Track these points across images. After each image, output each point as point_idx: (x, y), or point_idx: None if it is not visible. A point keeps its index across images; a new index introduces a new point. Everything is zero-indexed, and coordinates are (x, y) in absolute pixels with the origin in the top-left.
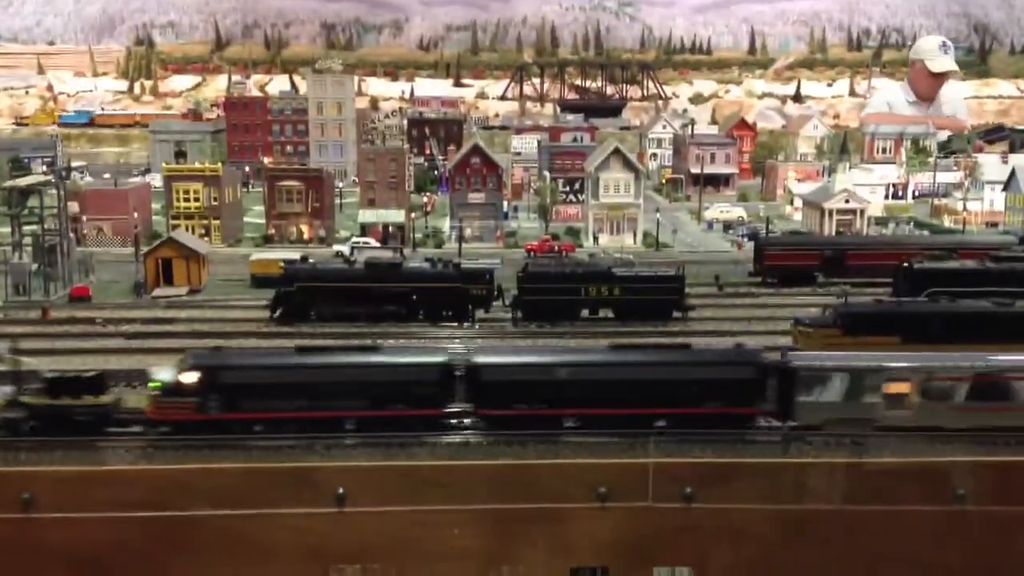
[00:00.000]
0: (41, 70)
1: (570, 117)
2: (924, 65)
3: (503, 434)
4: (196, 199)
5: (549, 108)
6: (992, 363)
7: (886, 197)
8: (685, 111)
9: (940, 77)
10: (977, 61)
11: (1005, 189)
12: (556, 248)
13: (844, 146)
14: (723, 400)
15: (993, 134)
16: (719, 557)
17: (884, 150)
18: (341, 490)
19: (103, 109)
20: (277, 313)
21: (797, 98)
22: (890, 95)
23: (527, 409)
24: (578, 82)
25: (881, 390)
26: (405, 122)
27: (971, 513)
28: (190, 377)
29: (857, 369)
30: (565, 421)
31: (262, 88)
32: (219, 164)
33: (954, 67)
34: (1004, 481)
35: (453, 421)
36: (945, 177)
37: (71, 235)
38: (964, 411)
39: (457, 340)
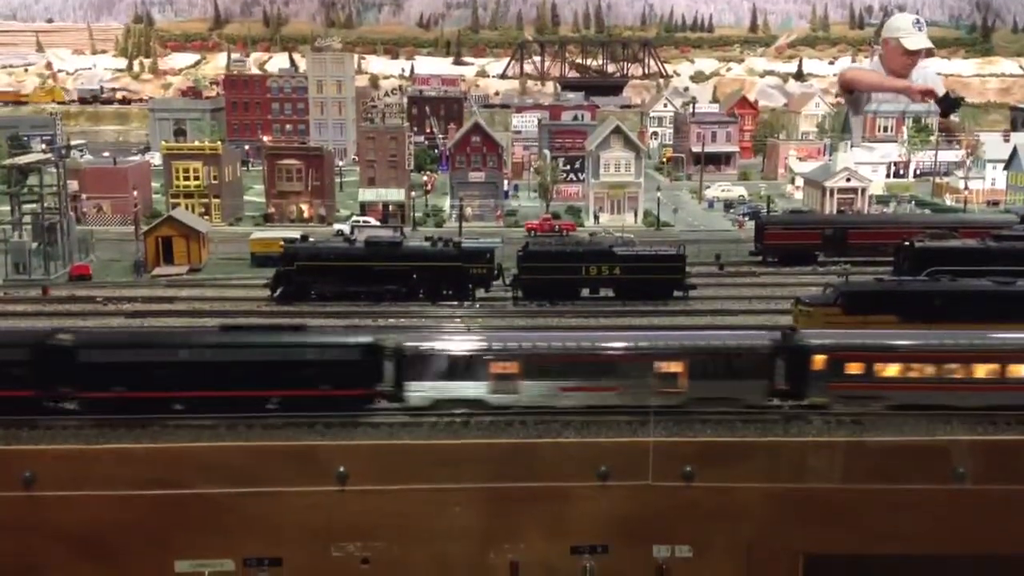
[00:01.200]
0: (40, 48)
1: (571, 95)
2: (898, 43)
3: (505, 414)
4: (196, 178)
5: (550, 86)
6: (594, 344)
7: (887, 176)
8: (686, 89)
9: (914, 55)
10: (980, 39)
11: (1006, 168)
12: (556, 227)
13: (846, 124)
14: (336, 382)
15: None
16: (719, 536)
17: (885, 128)
18: (343, 468)
19: (102, 88)
20: (277, 292)
21: (799, 76)
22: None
23: (126, 391)
24: (579, 60)
25: (488, 371)
26: (405, 100)
27: (971, 492)
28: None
29: (460, 352)
30: (172, 404)
31: (261, 66)
32: (218, 142)
33: (928, 44)
34: (1005, 460)
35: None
36: (946, 156)
37: (71, 214)
38: (568, 391)
39: (457, 319)
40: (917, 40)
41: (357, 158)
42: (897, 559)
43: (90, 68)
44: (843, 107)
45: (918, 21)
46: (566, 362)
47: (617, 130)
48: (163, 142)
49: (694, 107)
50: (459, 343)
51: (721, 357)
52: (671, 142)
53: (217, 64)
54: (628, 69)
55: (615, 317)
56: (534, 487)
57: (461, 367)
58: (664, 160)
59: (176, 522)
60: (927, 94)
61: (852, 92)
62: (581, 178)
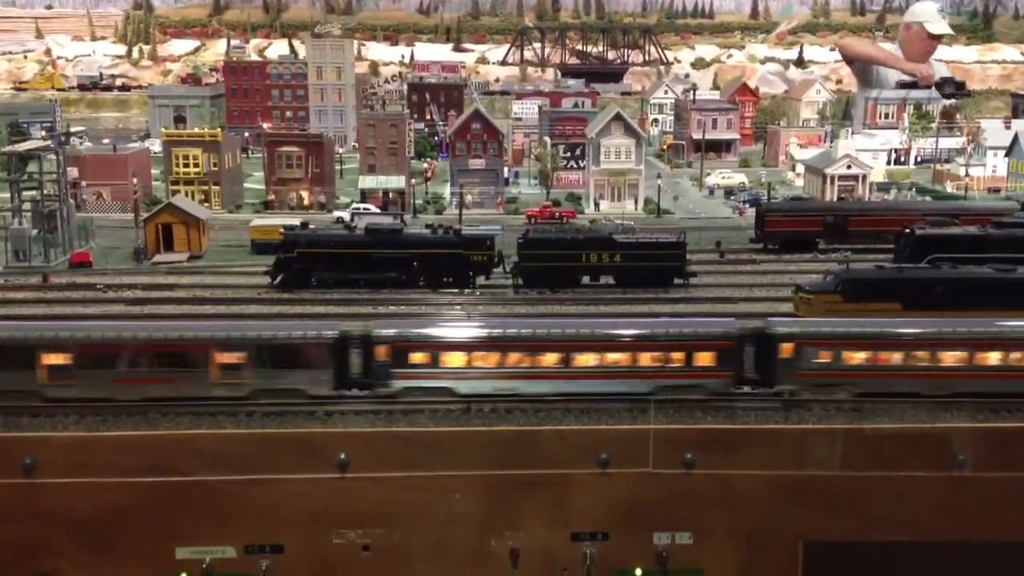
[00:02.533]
0: (39, 34)
1: (571, 82)
2: (922, 28)
3: (504, 400)
4: (196, 165)
5: (550, 73)
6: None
7: (888, 163)
8: (687, 76)
9: (935, 40)
10: (981, 26)
11: (1008, 155)
12: (557, 214)
13: (847, 111)
14: None
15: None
16: (719, 523)
17: (887, 115)
18: (343, 455)
19: (101, 74)
20: (277, 279)
21: (800, 63)
22: None
23: None
24: (579, 47)
25: (40, 362)
26: (405, 87)
27: (971, 479)
28: None
29: (10, 341)
30: None
31: (261, 53)
32: (218, 129)
33: (950, 31)
34: (1004, 448)
35: None
36: (947, 143)
37: (71, 201)
38: (127, 382)
39: (458, 306)
40: (941, 26)
41: (357, 145)
42: (896, 545)
43: (89, 55)
44: (844, 94)
45: (942, 9)
46: (119, 352)
47: (617, 117)
48: (163, 129)
49: (695, 94)
50: (12, 332)
51: (283, 349)
52: (671, 129)
53: (217, 51)
54: (628, 56)
55: (615, 304)
56: (535, 474)
57: (9, 357)
58: (664, 147)
59: (177, 509)
60: (924, 78)
61: (852, 62)
62: (581, 165)
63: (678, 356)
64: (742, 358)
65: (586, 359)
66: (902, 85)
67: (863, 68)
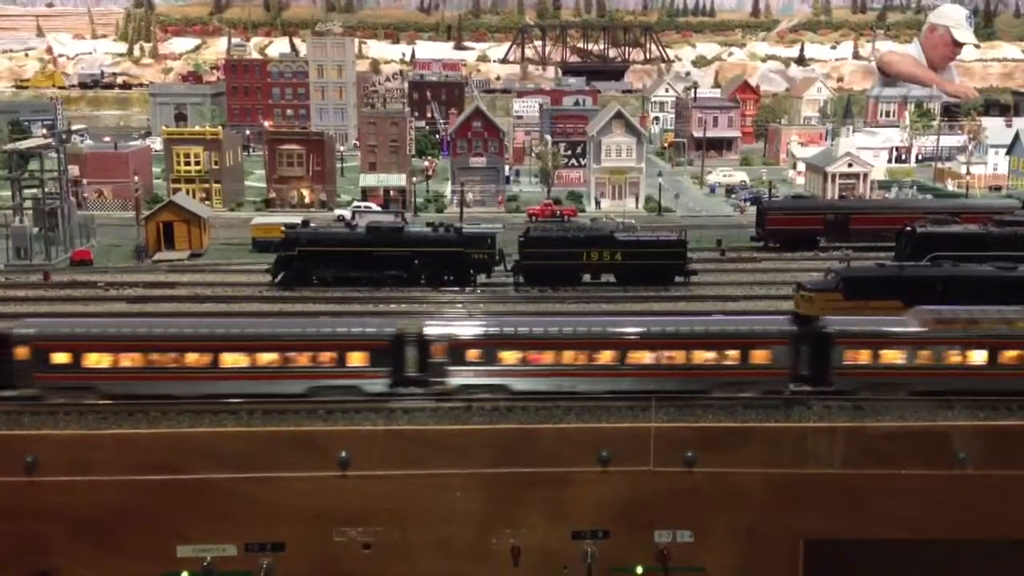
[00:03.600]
0: (40, 32)
1: (572, 80)
2: (948, 32)
3: (506, 398)
4: (197, 163)
5: (551, 71)
6: None
7: (889, 161)
8: (688, 74)
9: (958, 47)
10: (982, 23)
11: (1009, 153)
12: (558, 213)
13: (848, 109)
14: None
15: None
16: (720, 521)
17: (888, 113)
18: (344, 454)
19: (102, 72)
20: (279, 277)
21: (801, 61)
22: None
23: None
24: (580, 45)
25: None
26: (406, 85)
27: (971, 477)
28: None
29: None
30: None
31: (262, 51)
32: (219, 127)
33: (975, 40)
34: (1005, 446)
35: None
36: (949, 140)
37: (72, 199)
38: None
39: (459, 305)
40: (967, 34)
41: (358, 143)
42: (897, 543)
43: (90, 53)
44: (845, 92)
45: (970, 16)
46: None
47: (618, 115)
48: (164, 127)
49: (695, 92)
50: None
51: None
52: (672, 127)
53: (218, 49)
54: (629, 54)
55: (616, 303)
56: (536, 472)
57: None
58: (665, 145)
59: (178, 507)
60: (958, 96)
61: (887, 75)
62: (582, 163)
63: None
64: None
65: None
66: (947, 110)
67: (892, 81)
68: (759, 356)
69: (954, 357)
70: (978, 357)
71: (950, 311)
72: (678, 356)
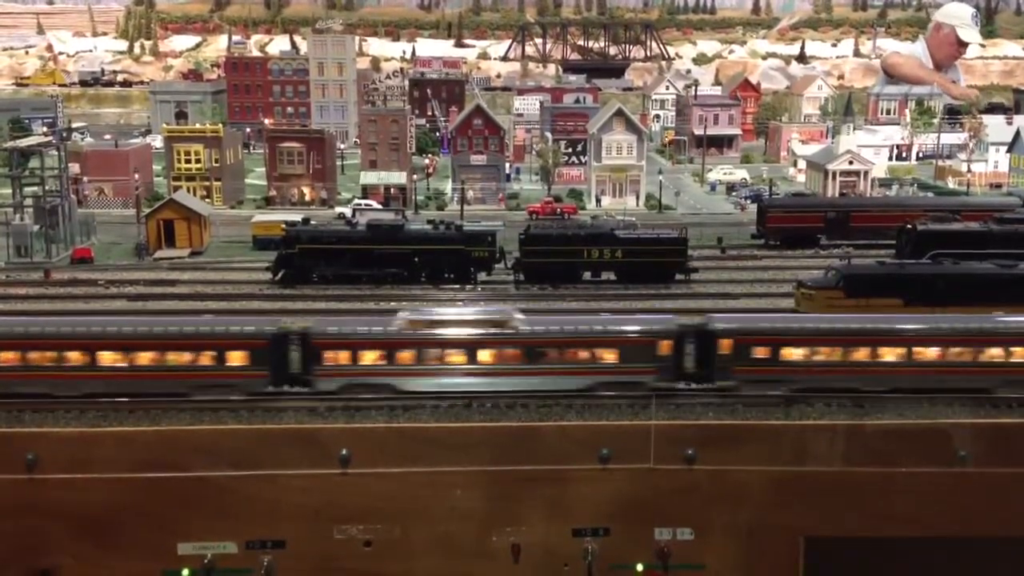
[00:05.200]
0: (41, 30)
1: (572, 78)
2: (954, 31)
3: (506, 396)
4: (197, 160)
5: (552, 69)
6: None
7: (890, 158)
8: (688, 72)
9: (963, 47)
10: (983, 21)
11: (1009, 150)
12: (558, 210)
13: (848, 107)
14: None
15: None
16: (720, 518)
17: (888, 111)
18: (345, 451)
19: (103, 70)
20: (279, 275)
21: (801, 58)
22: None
23: None
24: (581, 42)
25: None
26: (406, 83)
27: (972, 475)
28: None
29: None
30: None
31: (262, 48)
32: (220, 125)
33: (980, 39)
34: (1006, 443)
35: None
36: (949, 138)
37: (72, 196)
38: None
39: (459, 302)
40: (972, 34)
41: (359, 141)
42: (897, 541)
43: (91, 50)
44: (846, 90)
45: (976, 15)
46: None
47: (619, 113)
48: (164, 125)
49: (696, 89)
50: None
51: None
52: (673, 125)
53: (218, 46)
54: (630, 51)
55: (616, 300)
56: (536, 470)
57: None
58: (666, 143)
59: (178, 505)
60: (973, 104)
61: (892, 76)
62: (583, 161)
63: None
64: None
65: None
66: (950, 111)
67: (898, 82)
68: None
69: (434, 358)
70: (458, 358)
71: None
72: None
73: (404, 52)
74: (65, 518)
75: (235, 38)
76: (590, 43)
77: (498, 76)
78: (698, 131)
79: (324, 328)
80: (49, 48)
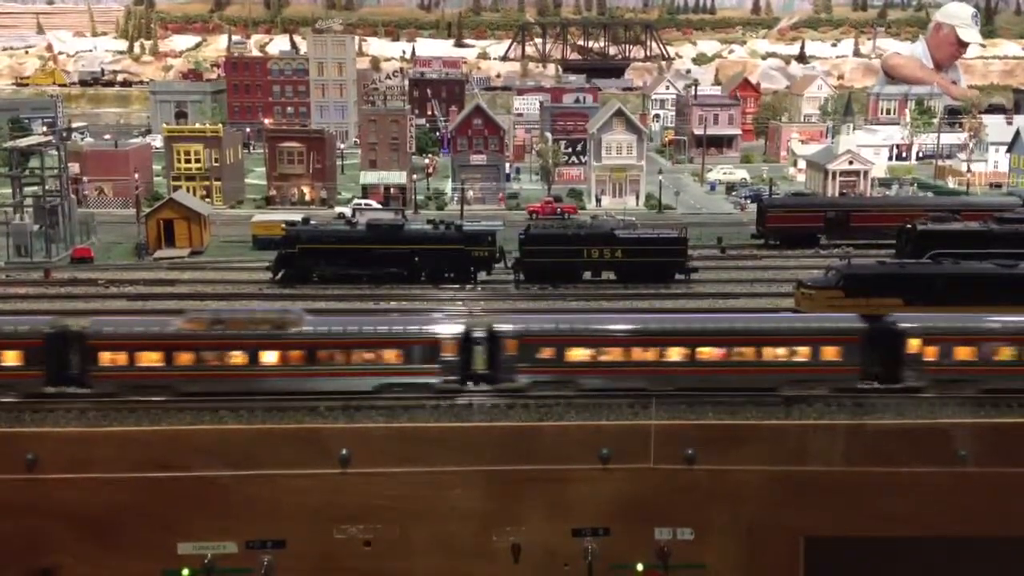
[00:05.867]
0: (40, 30)
1: (572, 78)
2: (953, 31)
3: (507, 395)
4: (197, 160)
5: (551, 69)
6: None
7: (890, 158)
8: (688, 71)
9: (963, 47)
10: (983, 21)
11: (1009, 150)
12: (558, 210)
13: (848, 107)
14: None
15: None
16: (720, 518)
17: (888, 111)
18: (345, 451)
19: (103, 70)
20: (279, 275)
21: (801, 58)
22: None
23: None
24: (581, 42)
25: None
26: (406, 83)
27: (972, 474)
28: None
29: None
30: None
31: (262, 48)
32: (220, 125)
33: (980, 39)
34: (1005, 442)
35: None
36: (949, 138)
37: (72, 196)
38: None
39: (459, 302)
40: (972, 34)
41: (358, 141)
42: (897, 541)
43: (91, 50)
44: (846, 90)
45: (976, 15)
46: None
47: (619, 112)
48: (164, 124)
49: (696, 89)
50: None
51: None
52: (673, 124)
53: (218, 46)
54: (630, 51)
55: (616, 300)
56: (536, 470)
57: None
58: (666, 143)
59: (178, 504)
60: (974, 105)
61: (892, 78)
62: (583, 161)
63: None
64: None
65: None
66: (950, 112)
67: (898, 83)
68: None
69: (214, 359)
70: (239, 359)
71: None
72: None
73: (404, 52)
74: (65, 518)
75: (235, 38)
76: (590, 43)
77: (498, 76)
78: (698, 131)
79: (100, 328)
80: (49, 48)
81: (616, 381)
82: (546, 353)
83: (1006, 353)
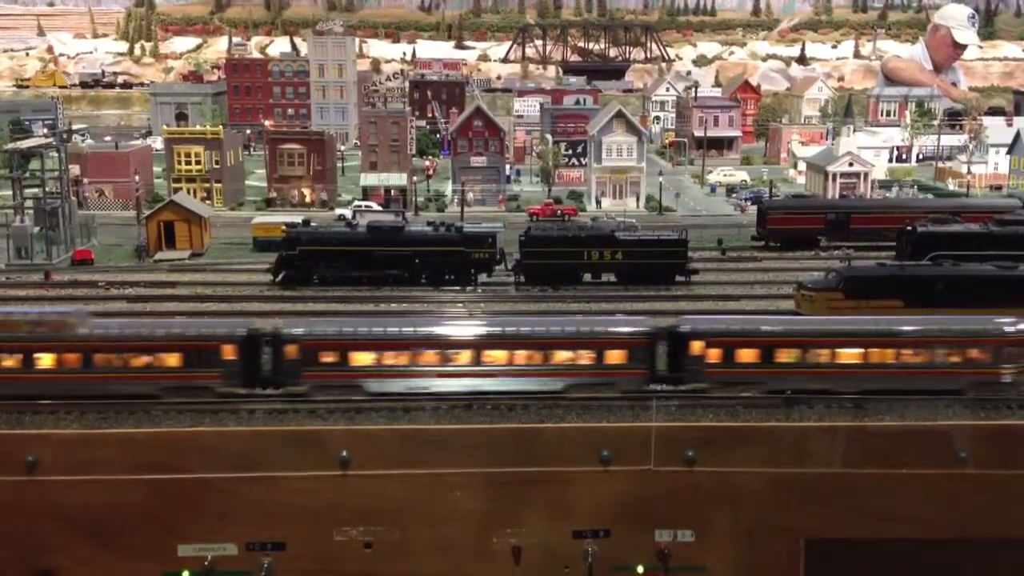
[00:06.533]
0: (41, 32)
1: (573, 79)
2: (949, 33)
3: (507, 396)
4: (197, 162)
5: (552, 70)
6: None
7: (890, 160)
8: (688, 73)
9: (960, 48)
10: (983, 22)
11: (1009, 152)
12: (558, 212)
13: (848, 109)
14: None
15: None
16: (720, 520)
17: (888, 113)
18: (345, 453)
19: (103, 72)
20: (280, 276)
21: (802, 60)
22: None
23: None
24: (581, 44)
25: None
26: (407, 84)
27: (972, 476)
28: None
29: None
30: None
31: (263, 50)
32: (220, 127)
33: (977, 41)
34: (1006, 444)
35: None
36: (949, 140)
37: (72, 198)
38: None
39: (460, 304)
40: (969, 35)
41: (359, 142)
42: (898, 543)
43: (91, 52)
44: (846, 91)
45: (973, 16)
46: None
47: (619, 114)
48: (165, 126)
49: (696, 91)
50: None
51: None
52: (673, 126)
53: (218, 48)
54: (630, 53)
55: (616, 302)
56: (536, 472)
57: None
58: (666, 144)
59: (178, 506)
60: (974, 108)
61: (892, 81)
62: (583, 163)
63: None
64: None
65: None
66: (950, 115)
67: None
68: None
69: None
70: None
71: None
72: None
73: (404, 54)
74: (65, 520)
75: (235, 40)
76: (590, 45)
77: (498, 78)
78: (698, 133)
79: None
80: (50, 50)
81: (399, 384)
82: (328, 357)
83: (788, 355)
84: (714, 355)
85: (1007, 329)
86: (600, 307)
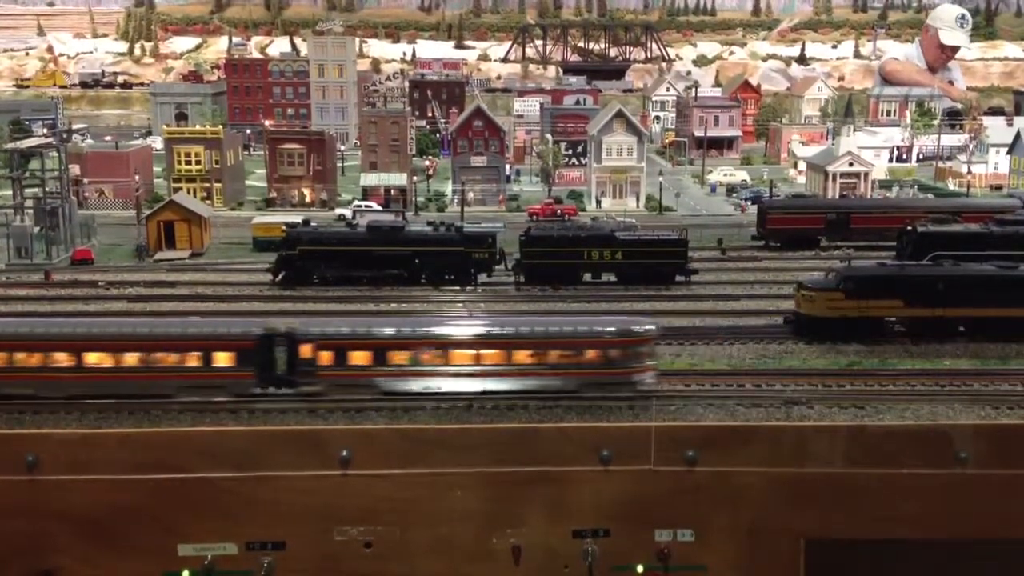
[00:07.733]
0: (41, 31)
1: (573, 79)
2: (937, 34)
3: (507, 396)
4: (197, 162)
5: (552, 70)
6: None
7: (890, 160)
8: (689, 73)
9: (949, 50)
10: (983, 23)
11: (1010, 152)
12: (558, 212)
13: (848, 109)
14: None
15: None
16: (720, 520)
17: (889, 112)
18: (345, 453)
19: (103, 71)
20: (280, 276)
21: (802, 60)
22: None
23: None
24: (581, 44)
25: None
26: (407, 84)
27: (972, 476)
28: None
29: None
30: None
31: (263, 50)
32: (220, 127)
33: (965, 43)
34: (1006, 445)
35: None
36: (950, 140)
37: (72, 198)
38: None
39: (459, 304)
40: (954, 36)
41: (359, 142)
42: (898, 543)
43: (91, 52)
44: (846, 91)
45: (963, 16)
46: None
47: (619, 114)
48: (165, 126)
49: (696, 91)
50: None
51: None
52: (673, 126)
53: (218, 48)
54: (630, 53)
55: (617, 301)
56: (536, 471)
57: None
58: (666, 144)
59: (179, 506)
60: (974, 108)
61: (890, 83)
62: (583, 162)
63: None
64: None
65: None
66: (950, 114)
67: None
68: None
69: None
70: None
71: None
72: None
73: (404, 54)
74: (66, 520)
75: (235, 40)
76: (590, 45)
77: (498, 78)
78: (698, 132)
79: None
80: (49, 50)
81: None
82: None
83: (399, 357)
84: (326, 357)
85: (609, 330)
86: (600, 307)
